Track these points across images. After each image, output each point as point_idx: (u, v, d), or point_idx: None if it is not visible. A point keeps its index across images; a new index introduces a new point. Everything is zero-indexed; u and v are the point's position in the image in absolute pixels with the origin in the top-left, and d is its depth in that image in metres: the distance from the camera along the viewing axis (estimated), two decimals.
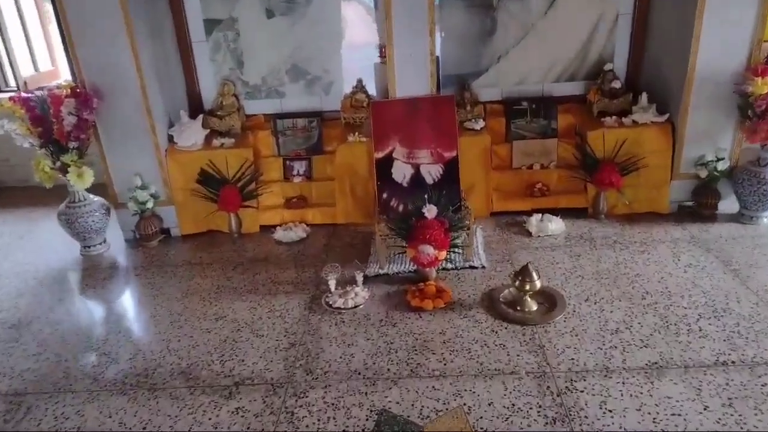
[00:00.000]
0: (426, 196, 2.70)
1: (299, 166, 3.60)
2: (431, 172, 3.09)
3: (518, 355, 2.22)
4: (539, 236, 3.18)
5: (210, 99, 3.69)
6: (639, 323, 2.38)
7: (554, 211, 3.34)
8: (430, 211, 2.69)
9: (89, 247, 3.34)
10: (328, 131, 3.63)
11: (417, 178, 3.08)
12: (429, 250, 2.63)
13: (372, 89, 3.69)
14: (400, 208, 3.07)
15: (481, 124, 3.42)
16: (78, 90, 3.07)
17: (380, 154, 3.10)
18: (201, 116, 3.46)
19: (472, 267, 2.87)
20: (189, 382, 2.21)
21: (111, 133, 3.23)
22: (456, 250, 2.80)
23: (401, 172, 3.09)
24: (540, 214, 3.28)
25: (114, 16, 2.95)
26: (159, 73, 3.27)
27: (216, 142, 3.43)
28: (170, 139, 3.38)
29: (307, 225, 3.45)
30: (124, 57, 3.03)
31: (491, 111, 3.60)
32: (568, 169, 3.44)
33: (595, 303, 2.54)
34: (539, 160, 3.51)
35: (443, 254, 2.68)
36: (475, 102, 3.57)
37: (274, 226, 3.44)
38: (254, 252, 3.23)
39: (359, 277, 2.74)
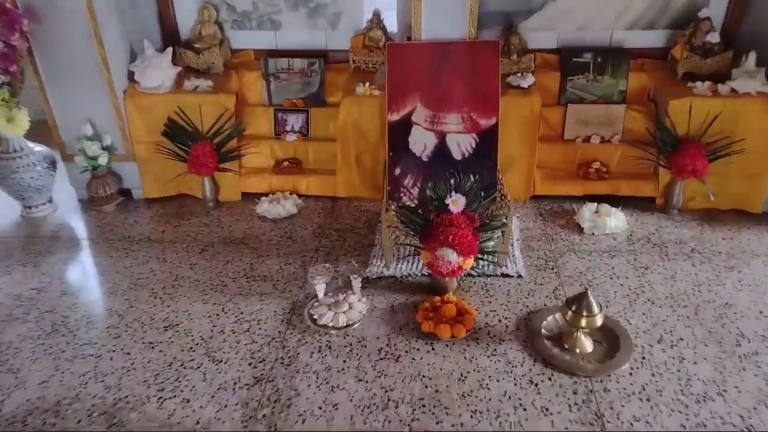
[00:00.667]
0: (451, 179, 2.00)
1: (294, 121, 2.88)
2: (461, 143, 2.35)
3: (566, 429, 1.59)
4: (593, 234, 2.47)
5: (188, 27, 2.93)
6: (736, 387, 1.72)
7: (613, 201, 2.62)
8: (457, 202, 1.99)
9: (30, 207, 2.71)
10: (333, 77, 2.87)
11: (441, 150, 2.36)
12: (451, 256, 1.95)
13: (393, 26, 2.90)
14: (416, 189, 2.37)
15: (529, 80, 2.64)
16: (5, 6, 2.34)
17: (395, 116, 2.36)
18: (170, 49, 2.72)
19: (505, 275, 2.20)
20: (111, 430, 1.62)
21: (52, 67, 2.51)
22: (487, 258, 2.12)
23: (421, 142, 2.36)
24: (595, 204, 2.56)
25: None
26: None
27: (189, 84, 2.71)
28: (131, 77, 2.66)
29: (300, 196, 2.78)
30: None
31: (542, 62, 2.80)
32: (636, 147, 2.68)
33: (671, 346, 1.87)
34: (599, 132, 2.74)
35: (469, 262, 2.01)
36: (523, 50, 2.78)
37: (259, 195, 2.78)
38: (230, 229, 2.58)
39: (356, 283, 2.09)
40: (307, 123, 2.86)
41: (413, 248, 2.17)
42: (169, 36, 2.97)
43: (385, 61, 2.39)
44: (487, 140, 2.33)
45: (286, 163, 2.82)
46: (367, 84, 2.69)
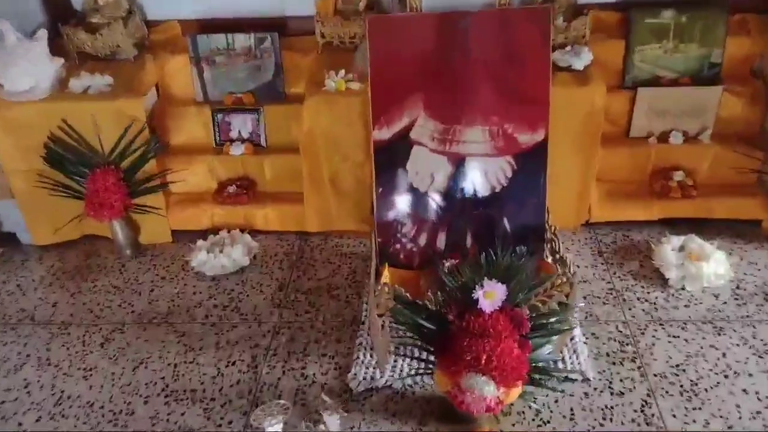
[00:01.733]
0: (475, 246, 1.19)
1: (241, 124, 2.01)
2: (489, 172, 1.50)
3: None
4: (683, 289, 1.68)
5: None
6: None
7: (701, 225, 1.82)
8: (492, 294, 1.19)
9: None
10: (294, 59, 1.99)
11: (459, 184, 1.52)
12: (486, 387, 1.17)
13: None
14: (421, 242, 1.55)
15: (585, 57, 1.76)
16: None
17: (384, 133, 1.50)
18: (43, 32, 1.82)
19: (563, 378, 1.42)
20: None
21: None
22: (543, 380, 1.32)
23: (427, 171, 1.51)
24: (680, 238, 1.76)
25: None
26: None
27: (76, 83, 1.83)
28: None
29: (255, 234, 1.96)
30: None
31: (596, 25, 1.90)
32: (735, 146, 1.84)
33: None
34: (682, 126, 1.89)
35: (515, 393, 1.24)
36: (572, 9, 1.88)
37: (199, 233, 1.96)
38: (151, 297, 1.77)
39: (332, 420, 1.31)
40: (260, 127, 2.01)
41: (419, 358, 1.38)
42: (57, 6, 2.07)
43: (366, 41, 1.51)
44: (531, 166, 1.48)
45: (232, 188, 1.98)
46: (342, 72, 1.82)
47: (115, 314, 1.72)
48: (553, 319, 1.27)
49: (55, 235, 1.95)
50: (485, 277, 1.19)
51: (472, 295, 1.18)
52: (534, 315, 1.26)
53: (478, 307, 1.18)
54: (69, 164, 1.80)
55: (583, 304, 1.59)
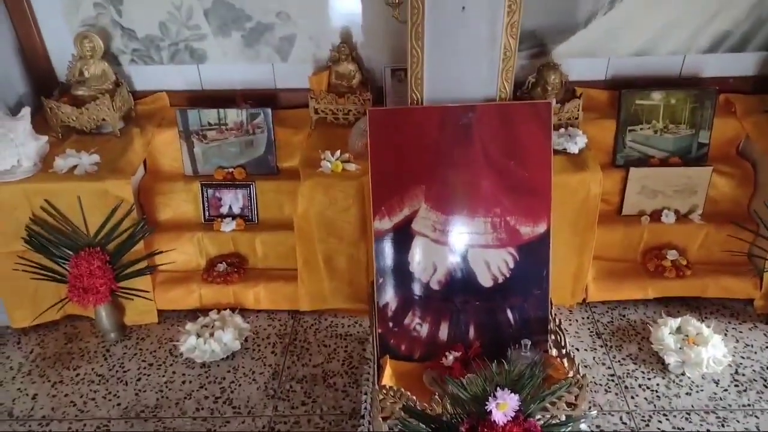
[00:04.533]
0: (478, 338, 1.16)
1: (232, 200, 1.96)
2: (491, 263, 1.48)
3: None
4: (683, 374, 1.68)
5: (65, 66, 1.96)
6: None
7: (699, 306, 1.83)
8: (505, 405, 1.16)
9: None
10: (287, 135, 1.96)
11: (461, 274, 1.50)
12: None
13: (373, 54, 2.01)
14: (423, 333, 1.51)
15: (580, 140, 1.78)
16: None
17: (385, 223, 1.48)
18: (27, 110, 1.75)
19: None
20: None
21: None
22: None
23: (429, 261, 1.49)
24: (675, 321, 1.76)
25: None
26: None
27: (61, 162, 1.76)
28: None
29: (245, 314, 1.90)
30: None
31: (587, 103, 1.93)
32: (725, 224, 1.87)
33: None
34: (673, 205, 1.92)
35: None
36: (565, 90, 1.91)
37: (187, 313, 1.89)
38: (138, 387, 1.68)
39: None
40: (252, 202, 1.96)
41: None
42: (40, 78, 2.00)
43: (367, 131, 1.49)
44: (533, 257, 1.47)
45: (222, 265, 1.92)
46: (338, 153, 1.80)
47: (99, 408, 1.62)
48: (565, 430, 1.24)
49: (35, 314, 1.85)
50: (497, 387, 1.16)
51: (485, 407, 1.15)
52: (545, 424, 1.23)
53: (491, 419, 1.15)
54: (52, 246, 1.72)
55: (594, 413, 1.56)
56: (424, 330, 1.52)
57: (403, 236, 1.48)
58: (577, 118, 1.87)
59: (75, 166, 1.75)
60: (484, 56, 1.40)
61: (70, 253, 1.72)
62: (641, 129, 1.91)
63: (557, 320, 1.48)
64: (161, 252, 1.85)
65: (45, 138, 1.78)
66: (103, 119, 1.89)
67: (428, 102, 1.48)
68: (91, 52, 1.88)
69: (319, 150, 1.82)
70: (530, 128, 1.45)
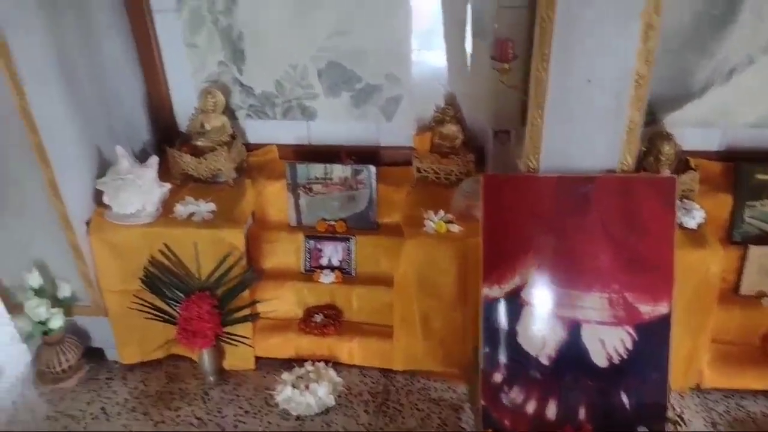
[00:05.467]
0: (589, 421, 1.10)
1: (332, 252, 2.01)
2: (606, 342, 1.43)
3: None
4: None
5: (186, 117, 2.11)
6: None
7: None
8: None
9: None
10: (388, 192, 2.00)
11: (573, 351, 1.45)
12: None
13: (474, 117, 2.04)
14: (529, 409, 1.46)
15: (698, 215, 1.71)
16: None
17: (495, 290, 1.46)
18: (155, 160, 1.89)
19: None
20: None
21: None
22: None
23: (539, 334, 1.45)
24: None
25: None
26: (70, 74, 1.69)
27: (181, 209, 1.87)
28: (99, 199, 1.85)
29: (338, 368, 1.90)
30: None
31: (700, 174, 1.86)
32: None
33: None
34: None
35: None
36: (680, 162, 1.85)
37: (282, 362, 1.92)
38: None
39: None
40: (350, 256, 2.00)
41: None
42: (163, 128, 2.16)
43: (481, 198, 1.50)
44: (653, 338, 1.41)
45: (319, 317, 1.95)
46: (441, 213, 1.82)
47: None
48: None
49: (143, 353, 1.94)
50: None
51: None
52: None
53: None
54: (166, 288, 1.81)
55: None
56: (530, 406, 1.47)
57: (513, 305, 1.46)
58: (693, 191, 1.80)
59: (193, 213, 1.85)
60: (607, 128, 1.40)
61: (182, 295, 1.81)
62: (762, 205, 1.81)
63: (678, 408, 1.39)
64: (265, 300, 1.91)
65: (168, 186, 1.90)
66: (219, 169, 2.01)
67: (545, 170, 1.47)
68: (213, 107, 2.02)
69: (422, 209, 1.84)
70: (652, 203, 1.41)
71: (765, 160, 1.84)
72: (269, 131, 2.15)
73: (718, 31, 1.78)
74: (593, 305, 1.42)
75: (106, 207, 1.83)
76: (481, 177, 1.47)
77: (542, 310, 1.44)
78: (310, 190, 2.03)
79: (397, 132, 2.11)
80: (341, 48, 1.98)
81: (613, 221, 1.41)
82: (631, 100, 1.34)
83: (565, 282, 1.43)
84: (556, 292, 1.44)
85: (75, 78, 1.72)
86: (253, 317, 1.88)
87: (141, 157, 1.99)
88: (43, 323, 1.78)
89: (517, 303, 1.45)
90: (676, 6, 1.73)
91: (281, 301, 1.97)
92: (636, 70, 1.30)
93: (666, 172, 1.79)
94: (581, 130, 1.40)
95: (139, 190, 1.82)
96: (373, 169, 1.99)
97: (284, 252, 2.02)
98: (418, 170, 2.01)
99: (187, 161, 1.99)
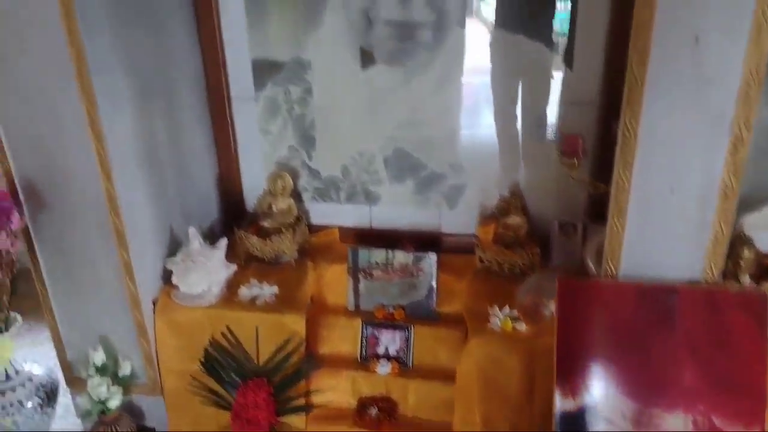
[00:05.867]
0: None
1: (389, 340, 1.97)
2: None
3: None
4: None
5: (255, 196, 2.18)
6: None
7: None
8: None
9: None
10: (450, 281, 1.97)
11: None
12: None
13: (539, 208, 2.02)
14: None
15: None
16: None
17: (569, 402, 1.39)
18: (224, 242, 1.94)
19: None
20: None
21: (57, 267, 1.75)
22: None
23: None
24: None
25: (58, 59, 1.45)
26: (154, 158, 1.78)
27: (246, 291, 1.89)
28: (166, 277, 1.89)
29: None
30: (75, 133, 1.54)
31: None
32: None
33: None
34: None
35: None
36: (758, 266, 1.77)
37: None
38: None
39: None
40: (408, 345, 1.95)
41: None
42: (232, 208, 2.23)
43: (535, 290, 1.46)
44: None
45: (374, 410, 1.89)
46: (507, 309, 1.77)
47: None
48: None
49: None
50: None
51: None
52: None
53: None
54: (224, 372, 1.80)
55: None
56: None
57: (588, 420, 1.37)
58: None
59: (256, 296, 1.87)
60: (690, 239, 1.35)
61: (238, 380, 1.79)
62: None
63: None
64: (320, 391, 1.87)
65: (234, 267, 1.93)
66: (283, 251, 2.03)
67: (624, 277, 1.42)
68: (282, 190, 2.07)
69: (486, 302, 1.80)
70: (741, 318, 1.33)
71: None
72: (332, 213, 2.18)
73: None
74: (676, 426, 1.32)
75: (174, 286, 1.86)
76: (556, 281, 1.43)
77: (619, 427, 1.35)
78: (371, 275, 2.02)
79: (459, 220, 2.10)
80: (408, 137, 2.02)
81: (699, 336, 1.33)
82: (717, 211, 1.30)
83: (646, 399, 1.34)
84: (636, 409, 1.35)
85: (158, 162, 1.81)
86: (309, 408, 1.83)
87: (209, 236, 2.04)
88: (102, 402, 1.79)
89: (592, 417, 1.37)
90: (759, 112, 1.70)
91: (336, 391, 1.92)
92: (723, 181, 1.26)
93: (746, 278, 1.71)
94: (663, 238, 1.36)
95: (207, 272, 1.85)
96: (434, 256, 1.97)
97: (341, 338, 1.98)
98: (481, 260, 1.97)
99: (253, 242, 2.03)
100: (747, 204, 1.84)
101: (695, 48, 1.17)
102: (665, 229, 1.35)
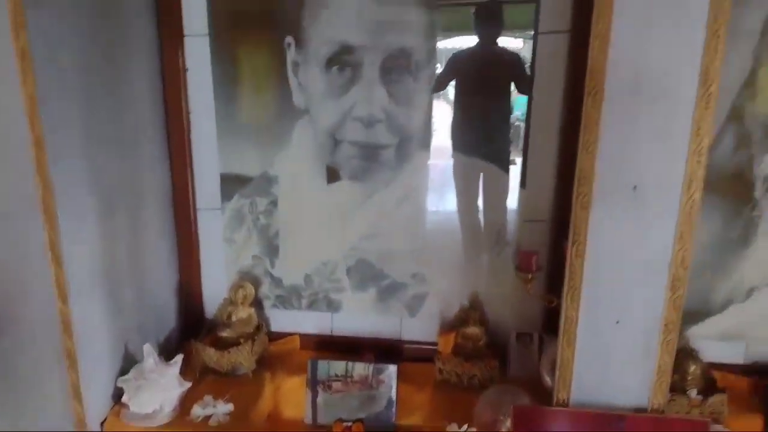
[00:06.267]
0: None
1: None
2: None
3: None
4: None
5: (214, 305, 2.16)
6: None
7: None
8: None
9: None
10: (409, 392, 1.96)
11: None
12: None
13: (498, 319, 2.07)
14: None
15: None
16: None
17: None
18: (179, 359, 1.89)
19: None
20: None
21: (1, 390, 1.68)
22: None
23: None
24: None
25: (23, 186, 1.43)
26: (113, 276, 1.76)
27: (198, 410, 1.83)
28: (118, 397, 1.82)
29: None
30: (35, 260, 1.49)
31: (721, 387, 1.84)
32: None
33: None
34: None
35: None
36: (706, 380, 1.84)
37: None
38: None
39: None
40: None
41: None
42: (190, 316, 2.19)
43: (493, 406, 1.47)
44: None
45: None
46: (465, 427, 1.76)
47: None
48: None
49: None
50: None
51: None
52: None
53: None
54: None
55: None
56: None
57: None
58: (722, 413, 1.76)
59: (210, 416, 1.81)
60: (636, 368, 1.40)
61: None
62: None
63: None
64: None
65: (189, 384, 1.87)
66: (240, 362, 2.00)
67: (575, 404, 1.46)
68: (243, 300, 2.07)
69: (445, 419, 1.79)
70: None
71: None
72: (293, 321, 2.18)
73: (734, 254, 1.86)
74: None
75: (124, 405, 1.79)
76: (511, 409, 1.45)
77: None
78: (330, 387, 1.99)
79: (420, 328, 2.12)
80: (371, 248, 2.08)
81: None
82: (660, 343, 1.37)
83: None
84: None
85: (117, 280, 1.79)
86: None
87: (166, 347, 2.00)
88: None
89: None
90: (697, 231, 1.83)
91: None
92: (664, 315, 1.34)
93: (693, 392, 1.77)
94: (611, 367, 1.41)
95: (160, 389, 1.79)
96: (393, 368, 1.96)
97: None
98: (440, 372, 1.99)
99: (210, 354, 1.99)
100: (693, 316, 1.95)
101: (634, 195, 1.28)
102: (613, 358, 1.41)
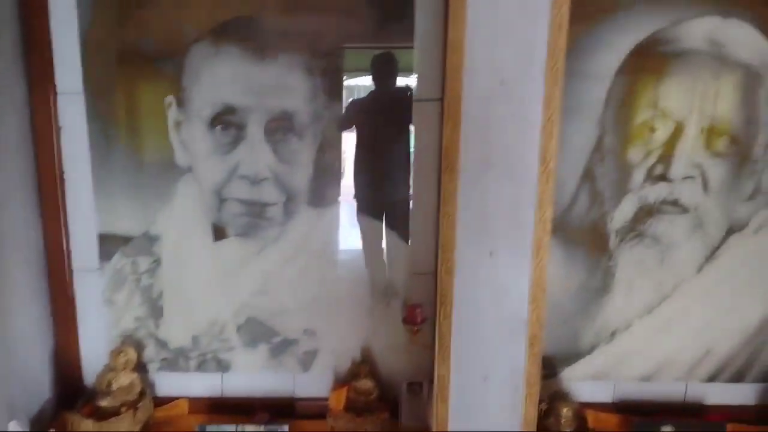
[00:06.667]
0: None
1: None
2: None
3: None
4: None
5: (94, 372, 2.04)
6: None
7: None
8: None
9: None
10: None
11: None
12: None
13: (389, 372, 2.11)
14: None
15: None
16: None
17: None
18: None
19: None
20: None
21: None
22: None
23: None
24: None
25: None
26: None
27: None
28: None
29: None
30: None
31: (595, 424, 1.98)
32: None
33: None
34: None
35: None
36: (578, 417, 1.97)
37: None
38: None
39: None
40: None
41: None
42: (67, 384, 2.05)
43: None
44: None
45: None
46: None
47: None
48: None
49: None
50: None
51: None
52: None
53: None
54: None
55: None
56: None
57: None
58: None
59: None
60: (506, 421, 1.49)
61: None
62: None
63: None
64: None
65: None
66: None
67: None
68: (124, 365, 1.97)
69: None
70: None
71: (653, 412, 1.99)
72: (181, 384, 2.10)
73: (597, 300, 2.03)
74: None
75: None
76: None
77: None
78: None
79: (314, 384, 2.11)
80: (261, 305, 2.06)
81: None
82: (525, 396, 1.47)
83: None
84: None
85: None
86: None
87: (39, 420, 1.86)
88: None
89: None
90: (565, 278, 1.99)
91: None
92: (527, 370, 1.44)
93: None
94: (483, 422, 1.49)
95: None
96: (285, 428, 1.95)
97: None
98: (333, 429, 1.99)
99: (87, 426, 1.87)
100: (565, 359, 2.09)
101: (491, 261, 1.37)
102: (483, 412, 1.49)
